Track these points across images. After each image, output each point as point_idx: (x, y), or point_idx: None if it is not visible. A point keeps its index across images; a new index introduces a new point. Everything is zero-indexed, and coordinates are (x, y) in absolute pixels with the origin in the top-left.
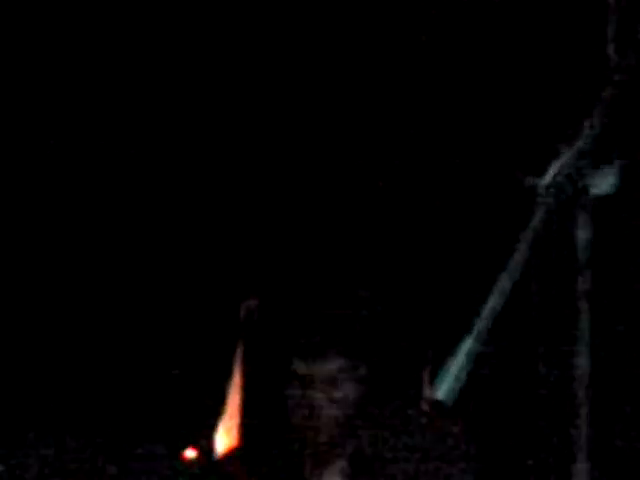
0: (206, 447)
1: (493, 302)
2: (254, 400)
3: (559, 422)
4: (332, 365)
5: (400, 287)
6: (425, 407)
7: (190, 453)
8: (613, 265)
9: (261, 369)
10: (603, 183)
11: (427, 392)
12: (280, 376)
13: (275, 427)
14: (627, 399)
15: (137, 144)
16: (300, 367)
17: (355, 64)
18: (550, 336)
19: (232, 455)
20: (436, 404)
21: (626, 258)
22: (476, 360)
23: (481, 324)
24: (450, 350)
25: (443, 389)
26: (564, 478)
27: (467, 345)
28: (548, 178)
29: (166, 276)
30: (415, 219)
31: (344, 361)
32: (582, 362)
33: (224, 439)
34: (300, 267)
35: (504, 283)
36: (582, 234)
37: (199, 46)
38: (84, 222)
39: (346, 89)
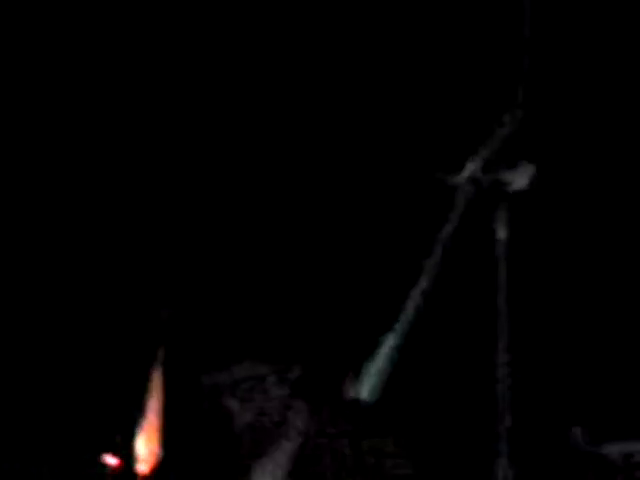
0: (126, 454)
1: (413, 300)
2: (174, 407)
3: (484, 415)
4: (239, 373)
5: (316, 288)
6: (347, 406)
7: (110, 460)
8: (530, 259)
9: (179, 376)
10: (519, 179)
11: (349, 391)
12: (196, 383)
13: (196, 433)
14: (546, 393)
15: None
16: (206, 378)
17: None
18: (470, 332)
19: (153, 464)
20: (359, 402)
21: (543, 252)
22: (397, 359)
23: (401, 322)
24: (371, 349)
25: (365, 389)
26: (488, 471)
27: (388, 343)
28: (465, 174)
29: (85, 284)
30: (332, 218)
31: (252, 368)
32: (502, 358)
33: (144, 446)
34: (213, 277)
35: (424, 280)
36: (500, 229)
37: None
38: None
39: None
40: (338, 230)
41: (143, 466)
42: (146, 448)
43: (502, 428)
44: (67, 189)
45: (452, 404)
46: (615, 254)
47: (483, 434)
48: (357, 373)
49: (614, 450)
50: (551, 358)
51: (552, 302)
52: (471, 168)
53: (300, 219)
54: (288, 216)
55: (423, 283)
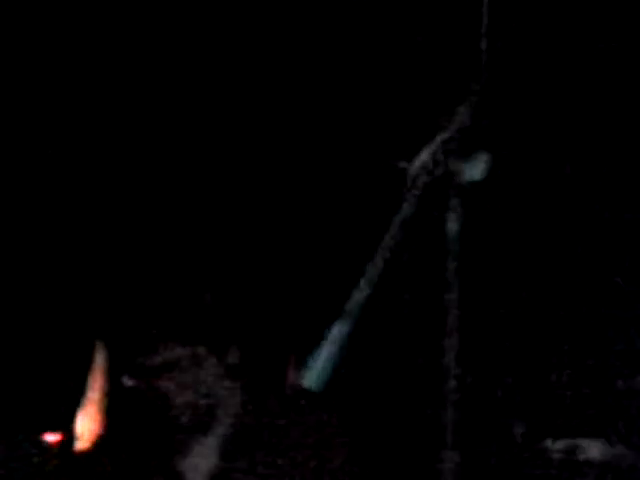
0: (66, 432)
1: (363, 287)
2: (116, 385)
3: (429, 409)
4: (173, 353)
5: (262, 271)
6: (289, 393)
7: (50, 437)
8: (481, 252)
9: (119, 356)
10: (473, 169)
11: (292, 378)
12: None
13: (138, 412)
14: (494, 387)
15: None
16: (140, 359)
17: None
18: (419, 323)
19: (94, 442)
20: (305, 391)
21: (495, 245)
22: (346, 347)
23: (350, 310)
24: (317, 336)
25: (312, 376)
26: (434, 463)
27: (336, 331)
28: (419, 162)
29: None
30: (284, 202)
31: (184, 348)
32: (450, 353)
33: (84, 424)
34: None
35: (374, 268)
36: (452, 220)
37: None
38: None
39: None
40: (286, 212)
41: (83, 443)
42: (87, 425)
43: (448, 420)
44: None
45: (399, 396)
46: (565, 251)
47: (429, 426)
48: (300, 358)
49: (557, 446)
50: (497, 352)
51: (501, 297)
52: (425, 156)
53: (242, 199)
54: (228, 196)
55: (372, 271)
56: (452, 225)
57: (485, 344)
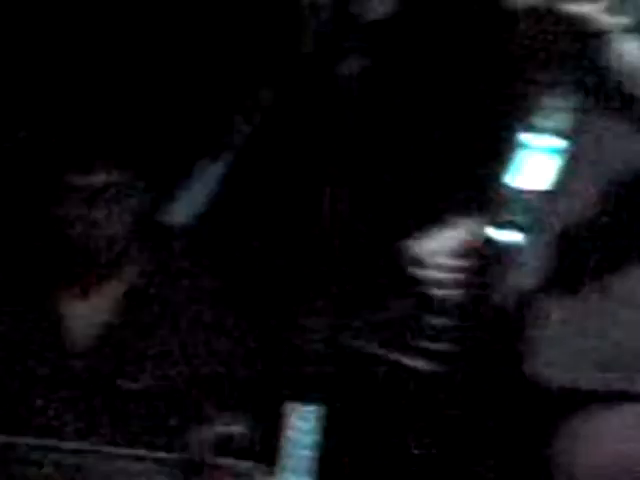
0: None
1: (240, 121)
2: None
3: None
4: (103, 178)
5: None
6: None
7: None
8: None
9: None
10: (379, 6)
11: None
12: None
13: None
14: None
15: None
16: (73, 179)
17: None
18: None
19: None
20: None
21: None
22: (219, 182)
23: (224, 145)
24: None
25: (179, 212)
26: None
27: (208, 166)
28: None
29: None
30: None
31: (116, 174)
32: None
33: None
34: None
35: (255, 104)
36: (349, 61)
37: None
38: None
39: None
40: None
41: None
42: None
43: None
44: None
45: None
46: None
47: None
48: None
49: None
50: None
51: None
52: None
53: None
54: None
55: (254, 106)
56: (348, 67)
57: None
